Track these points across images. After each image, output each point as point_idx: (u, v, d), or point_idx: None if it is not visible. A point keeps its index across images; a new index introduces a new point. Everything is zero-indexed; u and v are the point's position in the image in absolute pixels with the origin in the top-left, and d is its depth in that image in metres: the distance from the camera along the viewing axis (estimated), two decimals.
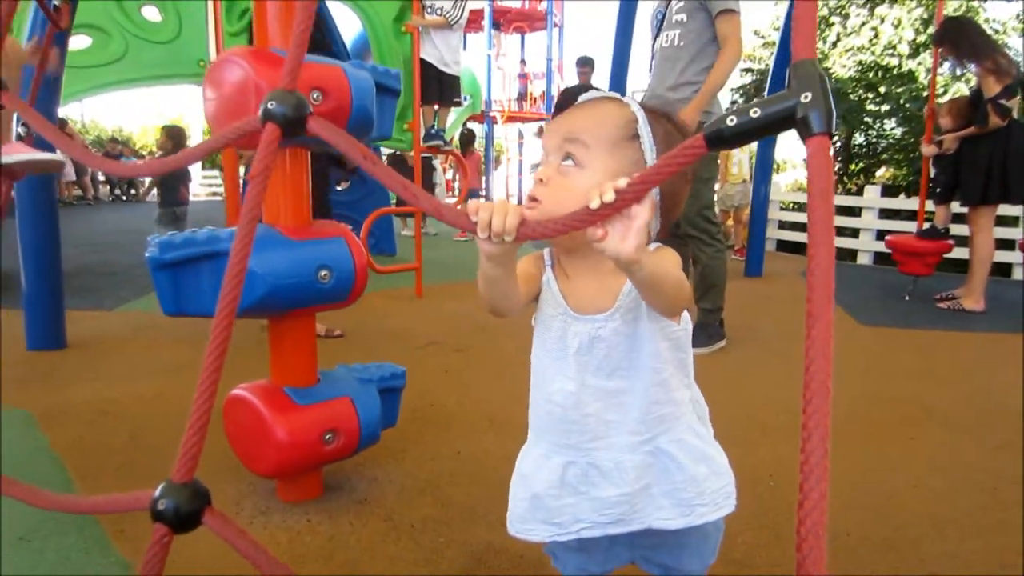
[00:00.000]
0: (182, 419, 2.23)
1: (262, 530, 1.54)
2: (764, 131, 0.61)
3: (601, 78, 8.04)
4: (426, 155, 5.00)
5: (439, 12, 4.93)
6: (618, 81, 5.72)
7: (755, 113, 0.60)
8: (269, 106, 0.84)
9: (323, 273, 1.53)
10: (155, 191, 6.25)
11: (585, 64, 8.03)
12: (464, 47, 6.11)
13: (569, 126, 0.88)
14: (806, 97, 0.57)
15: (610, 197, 0.64)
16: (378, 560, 1.44)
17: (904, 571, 1.46)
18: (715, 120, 0.62)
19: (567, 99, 0.97)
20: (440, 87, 4.89)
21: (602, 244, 0.68)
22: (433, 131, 4.75)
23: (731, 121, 0.61)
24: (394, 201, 6.98)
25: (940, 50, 4.62)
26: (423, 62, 4.70)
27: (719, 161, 3.39)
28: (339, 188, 4.59)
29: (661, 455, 0.89)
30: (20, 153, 2.25)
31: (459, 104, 5.72)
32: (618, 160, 0.86)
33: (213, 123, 1.54)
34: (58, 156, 2.25)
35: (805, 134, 0.57)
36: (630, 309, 0.87)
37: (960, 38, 4.38)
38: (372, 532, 1.54)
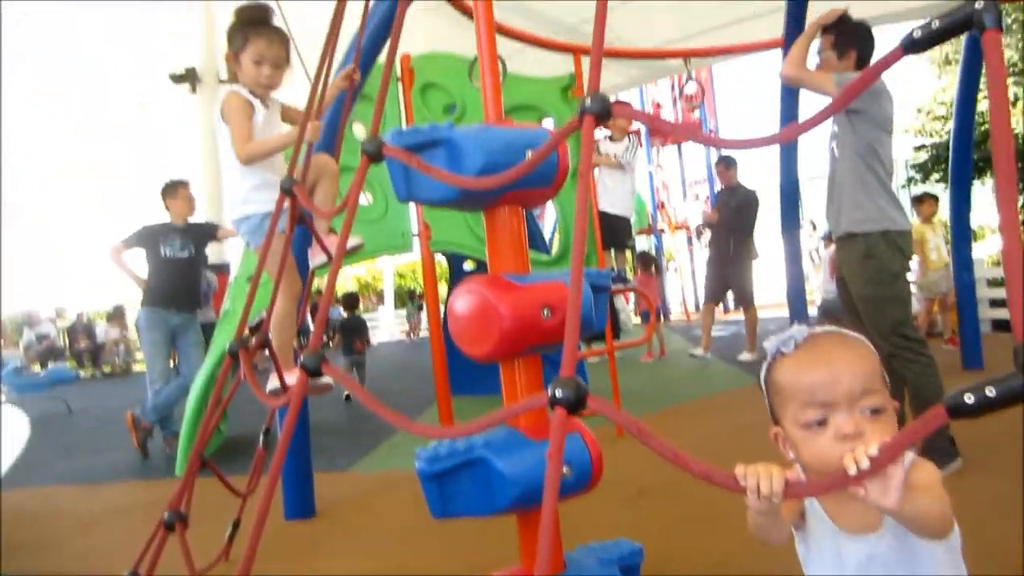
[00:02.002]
0: None
1: None
2: (1000, 406, 0.71)
3: (767, 177, 7.92)
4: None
5: (612, 156, 5.30)
6: (788, 171, 5.68)
7: (990, 392, 0.70)
8: (557, 393, 1.03)
9: (565, 470, 1.68)
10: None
11: (728, 165, 7.57)
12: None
13: (858, 378, 0.94)
14: None
15: (865, 465, 0.75)
16: None
17: None
18: (953, 394, 0.72)
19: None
20: (613, 232, 5.18)
21: (864, 497, 0.78)
22: (614, 274, 4.99)
23: (969, 399, 0.71)
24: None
25: None
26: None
27: (909, 262, 3.27)
28: None
29: None
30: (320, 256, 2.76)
31: (631, 247, 6.00)
32: (887, 390, 0.96)
33: (460, 341, 1.79)
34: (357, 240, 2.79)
35: None
36: (900, 525, 0.91)
37: None
38: None
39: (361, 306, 19.93)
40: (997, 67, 0.71)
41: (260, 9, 2.78)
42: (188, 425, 4.50)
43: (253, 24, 2.72)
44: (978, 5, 0.72)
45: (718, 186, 15.11)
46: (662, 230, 14.90)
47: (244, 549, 2.87)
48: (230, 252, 9.16)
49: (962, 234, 5.71)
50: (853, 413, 0.93)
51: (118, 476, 4.90)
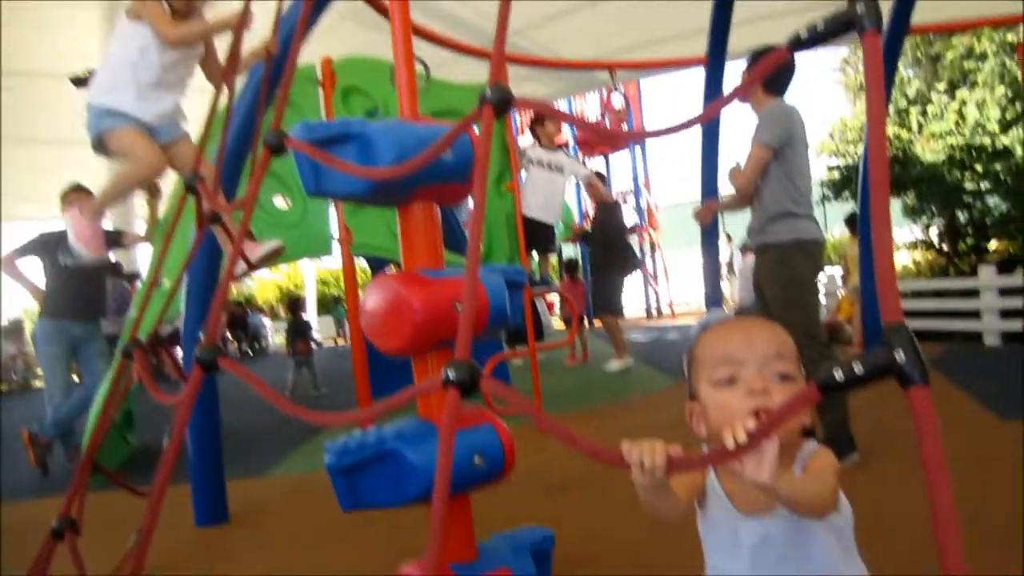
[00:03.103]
0: None
1: None
2: (868, 382, 0.76)
3: (690, 190, 8.18)
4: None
5: (547, 166, 5.43)
6: (709, 189, 5.89)
7: (859, 369, 0.76)
8: (450, 375, 1.05)
9: (477, 459, 1.71)
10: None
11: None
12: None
13: (771, 343, 1.00)
14: (900, 355, 0.73)
15: (742, 438, 0.80)
16: None
17: None
18: (824, 371, 0.77)
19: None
20: (536, 236, 5.27)
21: (740, 472, 0.82)
22: (537, 278, 5.07)
23: (839, 375, 0.77)
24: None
25: None
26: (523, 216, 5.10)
27: (820, 271, 3.48)
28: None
29: None
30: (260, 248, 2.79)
31: (553, 251, 6.10)
32: (800, 369, 1.02)
33: (372, 336, 1.79)
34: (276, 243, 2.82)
35: (906, 385, 0.72)
36: None
37: None
38: None
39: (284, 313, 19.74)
40: (875, 66, 0.77)
41: None
42: (90, 437, 4.30)
43: None
44: (859, 8, 0.77)
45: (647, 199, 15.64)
46: (587, 238, 15.12)
47: (150, 558, 2.81)
48: (142, 260, 8.83)
49: (868, 248, 6.03)
50: (763, 372, 0.98)
51: (18, 496, 4.63)
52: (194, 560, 2.88)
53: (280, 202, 5.13)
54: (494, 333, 1.85)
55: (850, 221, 8.00)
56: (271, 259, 2.94)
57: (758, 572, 0.98)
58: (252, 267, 2.60)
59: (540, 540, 1.94)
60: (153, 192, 4.94)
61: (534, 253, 5.74)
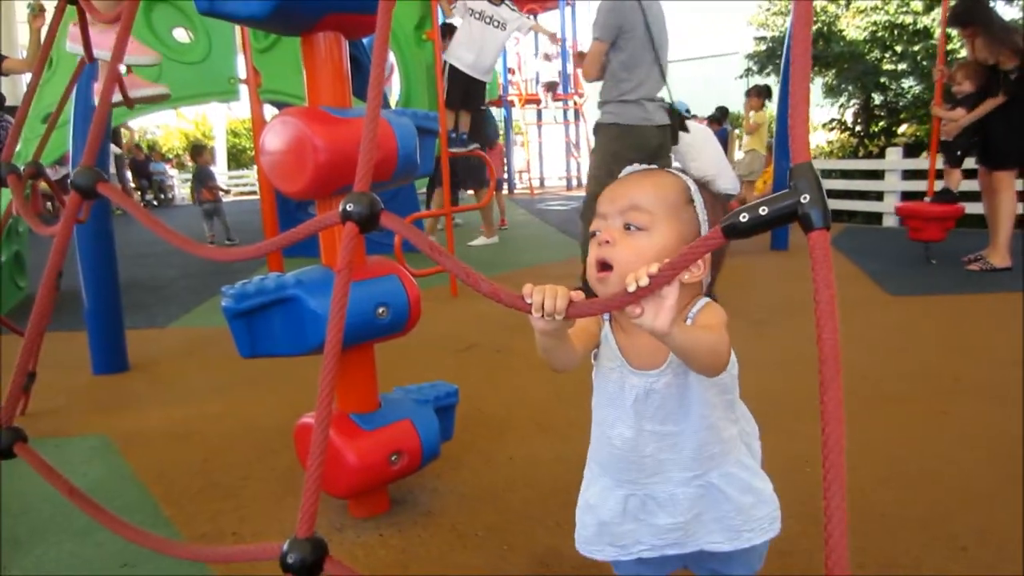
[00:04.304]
0: (248, 436, 2.42)
1: (339, 546, 1.69)
2: (772, 224, 0.73)
3: None
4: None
5: (488, 20, 5.11)
6: None
7: (763, 211, 0.72)
8: (348, 207, 0.97)
9: (381, 310, 1.66)
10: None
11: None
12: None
13: (630, 196, 0.98)
14: (805, 198, 0.70)
15: (644, 282, 0.77)
16: (449, 569, 1.58)
17: (937, 548, 1.57)
18: (730, 215, 0.74)
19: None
20: (465, 92, 5.02)
21: (639, 320, 0.80)
22: (455, 136, 4.87)
23: (744, 218, 0.73)
24: (422, 190, 7.15)
25: (965, 32, 4.74)
26: (454, 68, 4.84)
27: (636, 152, 3.75)
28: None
29: (711, 488, 1.01)
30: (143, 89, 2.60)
31: (484, 110, 5.85)
32: (680, 221, 0.97)
33: (273, 176, 1.67)
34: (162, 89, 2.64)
35: (807, 229, 0.70)
36: (680, 364, 0.96)
37: (987, 19, 4.54)
38: (440, 542, 1.69)
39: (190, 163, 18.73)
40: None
41: None
42: None
43: None
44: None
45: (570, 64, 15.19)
46: (512, 102, 14.76)
47: (45, 403, 2.72)
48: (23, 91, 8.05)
49: (786, 124, 6.07)
50: (614, 224, 0.97)
51: None
52: (90, 407, 2.81)
53: (181, 34, 4.69)
54: (403, 180, 1.76)
55: (753, 92, 8.03)
56: (152, 102, 2.73)
57: (639, 422, 1.00)
58: (128, 103, 2.36)
59: (444, 395, 1.94)
60: (37, 10, 4.43)
61: (462, 112, 5.48)
